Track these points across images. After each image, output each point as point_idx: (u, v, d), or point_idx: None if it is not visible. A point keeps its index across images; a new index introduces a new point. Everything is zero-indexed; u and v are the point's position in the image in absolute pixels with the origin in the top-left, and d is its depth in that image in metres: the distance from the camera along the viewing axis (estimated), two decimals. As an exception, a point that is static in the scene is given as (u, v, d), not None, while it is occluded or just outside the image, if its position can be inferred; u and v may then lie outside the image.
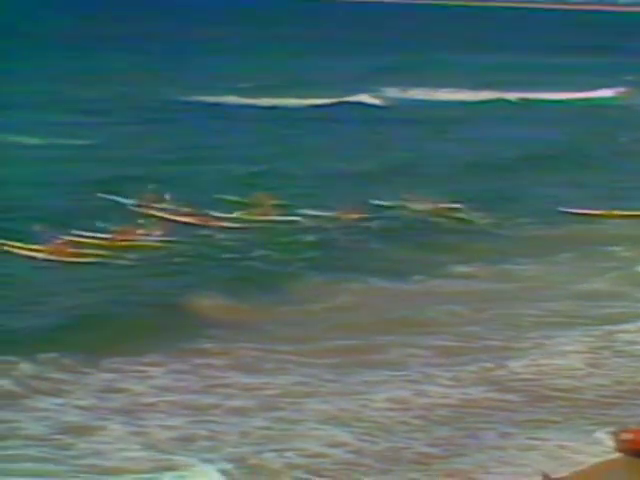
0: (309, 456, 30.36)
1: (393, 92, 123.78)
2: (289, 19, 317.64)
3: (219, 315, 42.98)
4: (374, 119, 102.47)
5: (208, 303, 43.94)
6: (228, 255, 52.03)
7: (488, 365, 37.67)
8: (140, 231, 52.65)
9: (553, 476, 27.50)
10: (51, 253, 49.18)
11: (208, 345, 38.98)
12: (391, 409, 33.72)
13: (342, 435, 31.73)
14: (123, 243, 51.50)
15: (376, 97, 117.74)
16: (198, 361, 37.39)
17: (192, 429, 31.98)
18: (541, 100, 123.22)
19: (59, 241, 49.65)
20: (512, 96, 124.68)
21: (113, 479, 28.83)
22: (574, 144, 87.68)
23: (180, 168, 70.29)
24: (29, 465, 29.34)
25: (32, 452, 30.04)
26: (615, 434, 30.31)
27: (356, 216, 58.01)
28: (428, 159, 78.09)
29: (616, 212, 61.73)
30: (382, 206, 61.20)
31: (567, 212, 61.37)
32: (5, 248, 49.81)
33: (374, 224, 58.15)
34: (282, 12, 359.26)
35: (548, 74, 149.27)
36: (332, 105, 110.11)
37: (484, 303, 44.80)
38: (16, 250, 49.60)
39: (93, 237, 52.11)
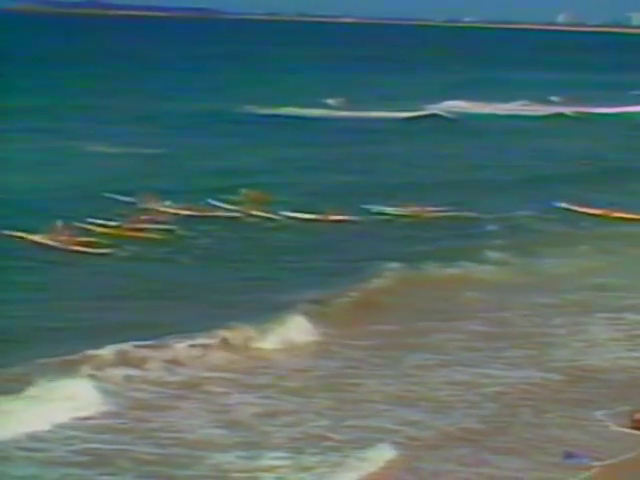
0: (387, 432, 30.20)
1: (464, 106, 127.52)
2: (360, 41, 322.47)
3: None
4: (451, 131, 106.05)
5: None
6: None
7: (527, 348, 38.18)
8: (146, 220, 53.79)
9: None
10: (64, 242, 49.30)
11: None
12: (448, 389, 33.92)
13: (413, 414, 31.82)
14: (130, 233, 52.10)
15: (450, 111, 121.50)
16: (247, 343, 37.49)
17: (269, 406, 31.94)
18: (596, 114, 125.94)
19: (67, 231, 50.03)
20: (568, 110, 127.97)
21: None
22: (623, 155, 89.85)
23: (266, 177, 71.12)
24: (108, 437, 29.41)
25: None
26: (631, 413, 31.22)
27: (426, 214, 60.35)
28: (500, 169, 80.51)
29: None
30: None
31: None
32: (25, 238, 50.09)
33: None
34: (349, 35, 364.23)
35: (598, 90, 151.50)
36: (413, 118, 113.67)
37: (510, 292, 45.65)
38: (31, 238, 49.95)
39: (104, 226, 52.78)
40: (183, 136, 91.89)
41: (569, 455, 28.96)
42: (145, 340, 36.04)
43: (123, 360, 34.45)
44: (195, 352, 35.83)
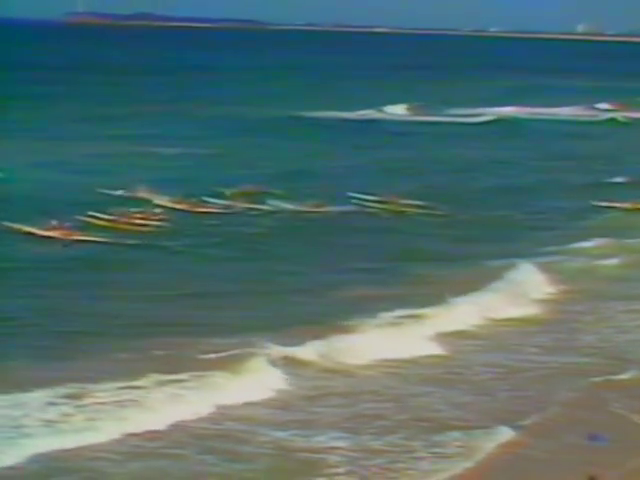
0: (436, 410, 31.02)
1: (524, 111, 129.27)
2: (401, 50, 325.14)
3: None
4: (519, 134, 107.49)
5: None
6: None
7: (560, 336, 38.59)
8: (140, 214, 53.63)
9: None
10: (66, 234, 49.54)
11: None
12: (486, 372, 34.41)
13: (454, 395, 32.35)
14: (125, 226, 52.04)
15: (512, 115, 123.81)
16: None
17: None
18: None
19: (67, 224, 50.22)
20: (619, 116, 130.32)
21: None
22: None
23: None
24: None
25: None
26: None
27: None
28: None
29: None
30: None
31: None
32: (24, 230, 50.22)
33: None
34: (386, 44, 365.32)
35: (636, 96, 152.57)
36: (485, 123, 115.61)
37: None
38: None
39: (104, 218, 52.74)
40: (264, 137, 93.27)
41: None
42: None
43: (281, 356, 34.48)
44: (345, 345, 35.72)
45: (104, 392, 30.66)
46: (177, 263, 48.40)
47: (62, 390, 30.51)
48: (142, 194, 59.42)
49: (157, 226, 53.19)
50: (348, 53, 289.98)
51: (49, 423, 28.68)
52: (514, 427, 29.57)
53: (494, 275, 45.12)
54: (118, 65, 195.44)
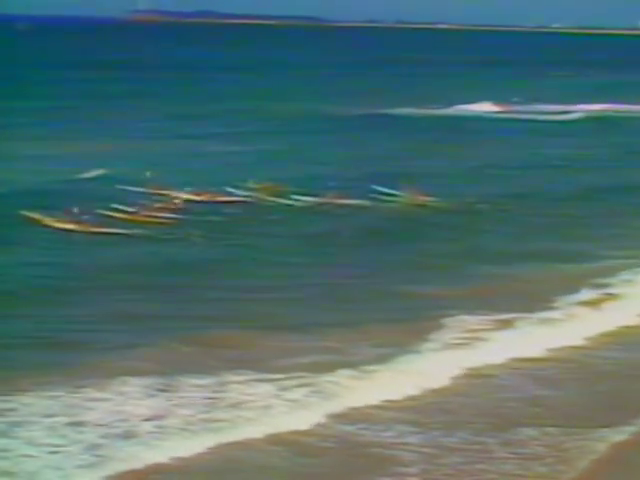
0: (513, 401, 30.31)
1: (618, 108, 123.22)
2: (468, 46, 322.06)
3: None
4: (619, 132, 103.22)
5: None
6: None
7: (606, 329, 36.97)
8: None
9: None
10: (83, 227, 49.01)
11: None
12: (557, 367, 33.28)
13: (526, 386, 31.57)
14: (144, 219, 51.57)
15: (607, 112, 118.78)
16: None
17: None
18: None
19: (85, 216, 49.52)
20: None
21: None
22: None
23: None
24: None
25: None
26: None
27: None
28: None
29: None
30: None
31: None
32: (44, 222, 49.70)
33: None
34: (450, 40, 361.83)
35: None
36: (580, 120, 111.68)
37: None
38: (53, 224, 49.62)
39: (122, 211, 52.36)
40: (347, 135, 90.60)
41: None
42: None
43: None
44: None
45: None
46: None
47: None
48: (163, 190, 57.23)
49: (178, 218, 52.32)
50: (416, 50, 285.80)
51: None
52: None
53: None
54: (189, 62, 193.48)
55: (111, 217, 51.53)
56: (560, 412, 29.47)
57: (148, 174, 58.15)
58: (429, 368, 32.02)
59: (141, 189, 57.21)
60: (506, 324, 36.51)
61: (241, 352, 33.20)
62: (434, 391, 30.65)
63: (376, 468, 25.80)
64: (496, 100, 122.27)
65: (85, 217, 49.47)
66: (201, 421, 27.84)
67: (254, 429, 27.44)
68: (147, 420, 27.76)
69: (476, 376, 31.94)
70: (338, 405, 29.07)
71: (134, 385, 29.88)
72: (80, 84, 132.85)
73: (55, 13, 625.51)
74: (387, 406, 29.41)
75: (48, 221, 49.62)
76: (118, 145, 78.49)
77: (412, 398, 30.03)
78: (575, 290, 40.81)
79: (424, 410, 29.32)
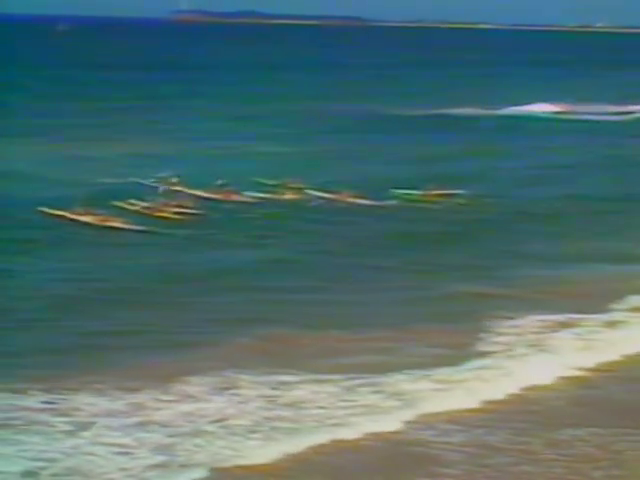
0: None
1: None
2: (514, 46, 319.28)
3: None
4: None
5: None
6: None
7: None
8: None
9: None
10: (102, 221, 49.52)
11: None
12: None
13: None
14: (160, 214, 52.09)
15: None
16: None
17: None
18: None
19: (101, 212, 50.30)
20: None
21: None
22: None
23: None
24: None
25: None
26: None
27: None
28: None
29: None
30: None
31: None
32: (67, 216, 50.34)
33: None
34: (496, 40, 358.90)
35: None
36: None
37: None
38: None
39: (136, 205, 53.03)
40: (407, 135, 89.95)
41: None
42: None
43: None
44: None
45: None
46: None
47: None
48: (178, 187, 57.41)
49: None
50: (462, 50, 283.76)
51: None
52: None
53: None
54: (240, 63, 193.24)
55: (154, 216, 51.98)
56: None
57: (173, 179, 57.90)
58: (496, 372, 31.65)
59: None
60: (564, 325, 36.04)
61: (298, 351, 33.09)
62: (507, 394, 30.09)
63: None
64: (552, 100, 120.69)
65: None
66: (266, 420, 27.67)
67: (323, 430, 27.17)
68: (215, 421, 27.51)
69: (542, 379, 31.24)
70: (411, 409, 28.64)
71: (197, 384, 29.83)
72: (135, 85, 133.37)
73: (95, 14, 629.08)
74: (459, 409, 28.78)
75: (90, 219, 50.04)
76: (180, 146, 77.87)
77: (486, 402, 29.37)
78: (632, 292, 40.18)
79: (509, 413, 28.84)
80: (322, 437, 26.67)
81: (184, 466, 25.00)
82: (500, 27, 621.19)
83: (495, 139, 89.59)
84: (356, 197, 56.91)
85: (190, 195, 55.61)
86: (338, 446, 26.37)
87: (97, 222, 49.72)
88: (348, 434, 26.93)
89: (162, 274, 42.42)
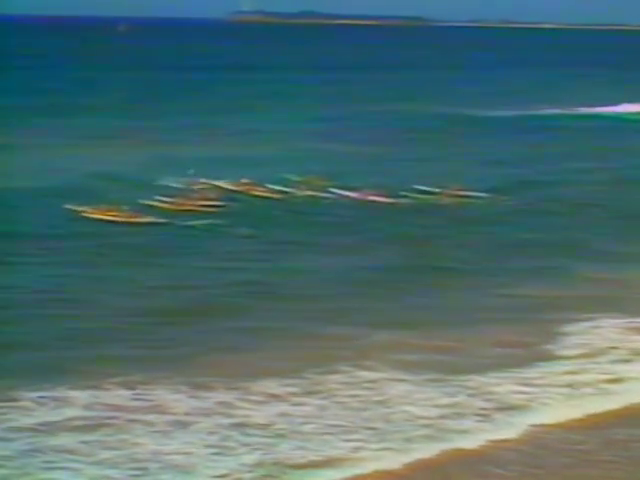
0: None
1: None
2: (584, 46, 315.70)
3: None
4: None
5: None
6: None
7: None
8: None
9: None
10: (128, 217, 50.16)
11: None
12: None
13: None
14: (183, 207, 52.68)
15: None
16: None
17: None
18: None
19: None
20: None
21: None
22: None
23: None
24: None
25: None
26: None
27: None
28: None
29: None
30: None
31: None
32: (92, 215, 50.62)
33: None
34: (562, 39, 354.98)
35: None
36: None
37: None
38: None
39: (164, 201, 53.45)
40: (490, 138, 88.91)
41: None
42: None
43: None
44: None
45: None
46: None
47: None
48: (207, 181, 58.50)
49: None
50: (527, 50, 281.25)
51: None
52: None
53: None
54: (319, 63, 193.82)
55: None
56: None
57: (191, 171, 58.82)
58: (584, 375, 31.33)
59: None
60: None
61: (373, 350, 32.70)
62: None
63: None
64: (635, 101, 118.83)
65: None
66: (362, 420, 27.38)
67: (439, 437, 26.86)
68: (307, 422, 27.24)
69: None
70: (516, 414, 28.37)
71: (280, 385, 29.64)
72: (216, 86, 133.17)
73: (154, 15, 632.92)
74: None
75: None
76: (267, 148, 77.59)
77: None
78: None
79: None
80: (444, 444, 26.38)
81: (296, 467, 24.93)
82: (565, 27, 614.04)
83: (588, 140, 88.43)
84: (377, 195, 56.97)
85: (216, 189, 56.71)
86: (460, 454, 26.08)
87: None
88: (467, 442, 26.65)
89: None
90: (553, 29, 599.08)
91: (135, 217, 50.35)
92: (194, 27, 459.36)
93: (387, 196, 56.99)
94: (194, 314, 36.30)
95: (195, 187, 56.69)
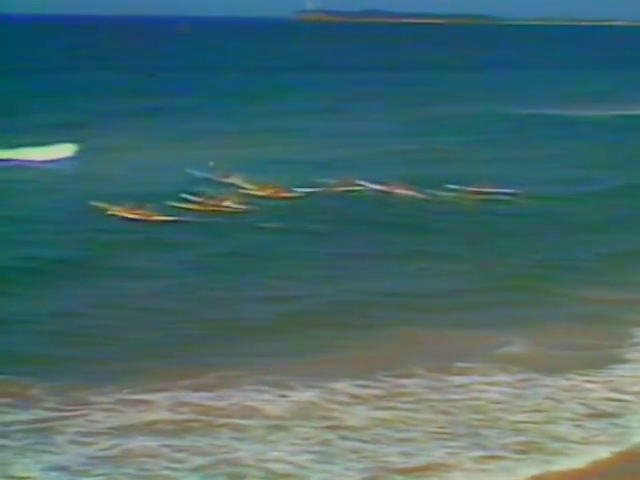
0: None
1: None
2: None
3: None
4: None
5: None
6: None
7: None
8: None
9: None
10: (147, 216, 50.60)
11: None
12: None
13: None
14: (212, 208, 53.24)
15: None
16: None
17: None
18: None
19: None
20: None
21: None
22: None
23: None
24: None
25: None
26: None
27: None
28: None
29: None
30: None
31: None
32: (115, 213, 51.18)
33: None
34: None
35: None
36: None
37: None
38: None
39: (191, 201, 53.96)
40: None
41: None
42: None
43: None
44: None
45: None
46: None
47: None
48: (233, 179, 59.24)
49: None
50: (603, 47, 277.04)
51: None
52: None
53: None
54: (393, 63, 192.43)
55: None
56: None
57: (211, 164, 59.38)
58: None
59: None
60: None
61: (443, 350, 32.28)
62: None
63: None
64: None
65: None
66: (456, 425, 26.73)
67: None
68: (402, 426, 26.43)
69: None
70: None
71: (357, 386, 28.89)
72: (305, 87, 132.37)
73: (217, 14, 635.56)
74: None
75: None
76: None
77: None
78: None
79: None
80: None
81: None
82: (636, 24, 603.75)
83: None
84: (408, 189, 57.80)
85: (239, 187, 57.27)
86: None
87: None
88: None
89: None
90: (624, 26, 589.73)
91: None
92: (258, 26, 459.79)
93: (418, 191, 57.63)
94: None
95: (269, 189, 56.82)
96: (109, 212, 51.33)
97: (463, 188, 57.97)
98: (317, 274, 41.67)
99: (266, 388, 28.61)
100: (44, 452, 24.96)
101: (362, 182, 59.27)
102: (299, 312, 36.27)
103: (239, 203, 53.94)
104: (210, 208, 53.09)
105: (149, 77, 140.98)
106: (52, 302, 37.04)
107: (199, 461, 24.36)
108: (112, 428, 26.04)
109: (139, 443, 25.12)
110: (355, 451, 25.10)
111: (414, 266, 43.14)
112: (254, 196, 56.16)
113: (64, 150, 70.09)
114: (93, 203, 52.20)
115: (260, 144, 77.59)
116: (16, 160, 67.38)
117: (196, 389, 28.42)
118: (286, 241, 47.26)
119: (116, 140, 78.49)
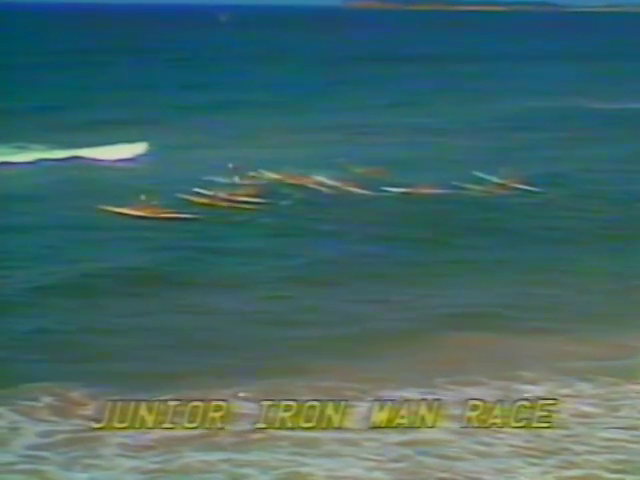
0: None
1: None
2: None
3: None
4: None
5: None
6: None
7: None
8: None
9: None
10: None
11: None
12: None
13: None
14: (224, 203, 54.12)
15: None
16: None
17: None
18: None
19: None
20: None
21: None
22: None
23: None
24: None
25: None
26: None
27: None
28: None
29: None
30: None
31: None
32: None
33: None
34: None
35: None
36: None
37: None
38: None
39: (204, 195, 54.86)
40: None
41: None
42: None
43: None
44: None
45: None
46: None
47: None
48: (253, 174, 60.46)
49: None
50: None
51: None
52: None
53: None
54: (467, 52, 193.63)
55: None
56: None
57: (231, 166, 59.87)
58: None
59: None
60: None
61: (492, 355, 32.33)
62: None
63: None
64: None
65: None
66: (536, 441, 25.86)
67: None
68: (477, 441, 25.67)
69: None
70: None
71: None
72: (382, 81, 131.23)
73: (258, 3, 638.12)
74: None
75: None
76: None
77: None
78: None
79: None
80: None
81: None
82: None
83: None
84: (431, 188, 58.34)
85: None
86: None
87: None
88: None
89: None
90: None
91: None
92: (305, 15, 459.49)
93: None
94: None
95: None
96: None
97: None
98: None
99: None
100: (91, 466, 23.92)
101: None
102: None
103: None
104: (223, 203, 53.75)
105: None
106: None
107: (264, 477, 23.61)
108: (165, 438, 24.86)
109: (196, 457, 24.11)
110: (443, 469, 24.31)
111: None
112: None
113: (137, 148, 69.73)
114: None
115: (333, 142, 77.53)
116: (89, 158, 68.02)
117: (254, 400, 27.43)
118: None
119: (188, 137, 78.35)
